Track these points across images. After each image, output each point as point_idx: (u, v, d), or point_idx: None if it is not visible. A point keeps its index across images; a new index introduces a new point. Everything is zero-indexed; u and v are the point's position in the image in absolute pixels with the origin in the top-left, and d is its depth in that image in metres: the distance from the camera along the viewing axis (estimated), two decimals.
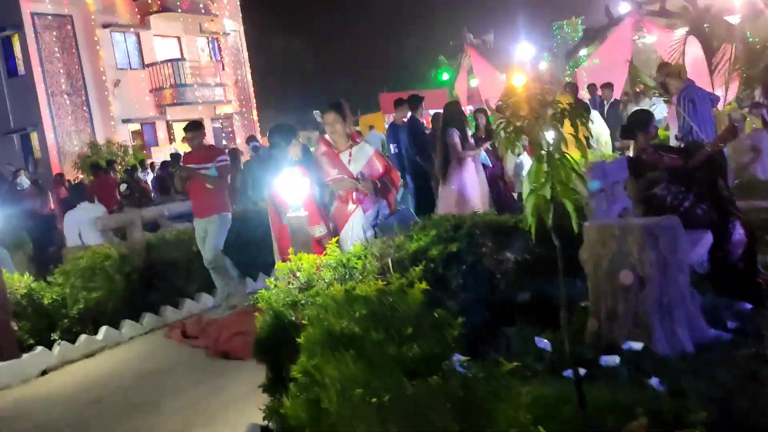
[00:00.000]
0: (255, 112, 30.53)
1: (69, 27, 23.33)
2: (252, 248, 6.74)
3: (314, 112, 18.84)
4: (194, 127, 6.46)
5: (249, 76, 30.38)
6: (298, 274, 3.38)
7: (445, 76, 24.86)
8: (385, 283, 2.40)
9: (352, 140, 4.50)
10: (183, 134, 6.65)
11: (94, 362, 5.45)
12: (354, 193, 4.33)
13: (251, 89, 30.30)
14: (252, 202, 8.13)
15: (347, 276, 3.22)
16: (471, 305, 3.92)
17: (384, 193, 4.40)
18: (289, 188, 3.85)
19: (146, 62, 25.37)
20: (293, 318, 3.20)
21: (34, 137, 23.37)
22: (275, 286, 3.42)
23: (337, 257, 3.41)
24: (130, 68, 25.02)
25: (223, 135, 28.24)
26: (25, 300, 5.34)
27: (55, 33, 23.05)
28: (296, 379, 2.34)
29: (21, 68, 23.09)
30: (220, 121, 28.45)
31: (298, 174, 4.01)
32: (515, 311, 3.97)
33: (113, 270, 5.92)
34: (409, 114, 8.30)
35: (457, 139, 6.59)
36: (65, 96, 23.18)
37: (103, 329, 5.76)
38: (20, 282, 5.39)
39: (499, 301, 4.16)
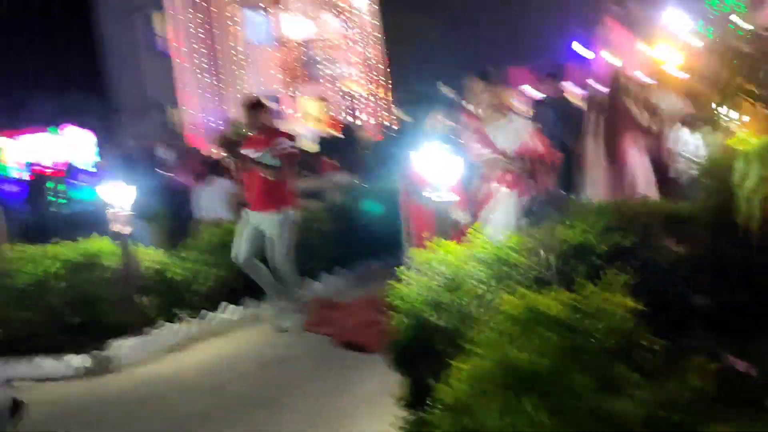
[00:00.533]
0: (386, 91, 30.27)
1: (205, 4, 24.18)
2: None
3: (438, 83, 18.20)
4: (253, 105, 5.50)
5: (381, 54, 30.10)
6: (442, 267, 2.87)
7: (582, 49, 23.35)
8: (564, 292, 1.84)
9: (501, 113, 3.92)
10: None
11: (218, 342, 5.29)
12: (505, 175, 3.77)
13: (383, 67, 30.04)
14: (381, 180, 7.78)
15: (505, 276, 2.67)
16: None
17: (540, 176, 3.80)
18: (434, 166, 3.33)
19: (278, 40, 25.84)
20: (436, 320, 2.72)
21: (173, 113, 24.59)
22: (412, 278, 2.96)
23: (490, 250, 2.87)
24: (262, 45, 25.59)
25: (353, 113, 28.33)
26: (156, 274, 5.26)
27: (191, 10, 23.96)
28: (446, 405, 1.85)
29: (160, 45, 24.32)
30: (349, 99, 28.55)
31: (445, 150, 3.49)
32: (694, 319, 3.25)
33: None
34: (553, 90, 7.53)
35: (637, 111, 5.72)
36: (201, 73, 24.15)
37: (230, 308, 5.60)
38: (152, 256, 5.31)
39: (679, 306, 3.46)
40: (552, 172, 3.81)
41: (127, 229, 4.95)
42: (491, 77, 3.94)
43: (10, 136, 20.21)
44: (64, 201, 17.19)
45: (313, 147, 11.77)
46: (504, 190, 3.73)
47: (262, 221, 5.28)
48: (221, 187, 7.38)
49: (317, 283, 6.30)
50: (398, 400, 2.69)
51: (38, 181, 11.34)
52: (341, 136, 11.29)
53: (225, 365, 4.74)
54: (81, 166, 20.70)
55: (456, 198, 3.37)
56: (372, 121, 28.48)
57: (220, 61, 23.99)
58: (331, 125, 25.82)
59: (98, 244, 5.13)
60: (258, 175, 5.24)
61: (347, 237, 6.67)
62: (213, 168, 8.08)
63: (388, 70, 29.91)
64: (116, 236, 4.96)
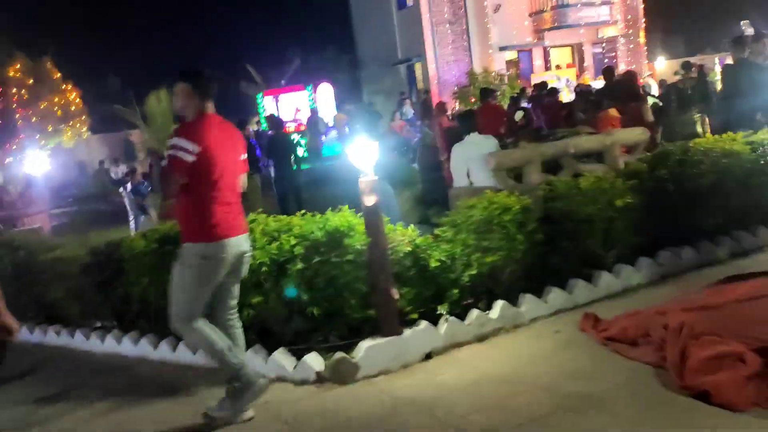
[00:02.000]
0: (643, 35, 26.55)
1: None
2: None
3: (742, 23, 14.84)
4: (186, 78, 3.50)
5: None
6: None
7: None
8: None
9: None
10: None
11: (486, 350, 4.04)
12: None
13: (640, 6, 26.31)
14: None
15: None
16: None
17: None
18: None
19: None
20: None
21: (418, 68, 24.01)
22: None
23: None
24: None
25: (606, 61, 25.31)
26: (409, 260, 4.13)
27: None
28: None
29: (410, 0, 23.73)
30: (603, 45, 25.54)
31: None
32: None
33: (513, 226, 4.38)
34: None
35: None
36: (447, 25, 23.09)
37: (499, 304, 4.31)
38: (404, 236, 4.18)
39: None
40: None
41: (371, 199, 3.85)
42: None
43: (274, 95, 21.18)
44: (306, 156, 17.50)
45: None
46: None
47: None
48: (477, 144, 6.09)
49: (607, 275, 4.72)
50: None
51: (282, 136, 11.06)
52: (612, 83, 9.30)
53: (500, 388, 3.45)
54: (324, 120, 21.23)
55: None
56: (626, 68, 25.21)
57: (468, 12, 22.69)
58: (581, 76, 23.30)
59: (345, 219, 4.12)
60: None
61: (658, 213, 4.96)
62: (466, 122, 6.74)
63: (643, 8, 26.12)
64: (366, 209, 3.89)
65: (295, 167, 10.66)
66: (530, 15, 23.75)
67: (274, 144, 10.80)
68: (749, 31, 11.94)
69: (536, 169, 5.70)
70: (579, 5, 23.33)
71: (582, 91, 11.29)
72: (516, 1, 23.57)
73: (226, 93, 23.76)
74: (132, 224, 11.75)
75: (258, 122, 20.32)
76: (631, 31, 25.83)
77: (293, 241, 4.08)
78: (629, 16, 25.76)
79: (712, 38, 31.10)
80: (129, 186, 11.89)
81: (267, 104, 21.36)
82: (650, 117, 7.42)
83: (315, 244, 4.06)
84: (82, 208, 16.11)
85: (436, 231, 4.49)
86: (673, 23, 30.56)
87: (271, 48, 26.59)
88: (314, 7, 28.88)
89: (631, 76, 8.63)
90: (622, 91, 7.80)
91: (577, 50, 25.12)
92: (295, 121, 20.02)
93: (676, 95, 7.75)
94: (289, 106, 20.95)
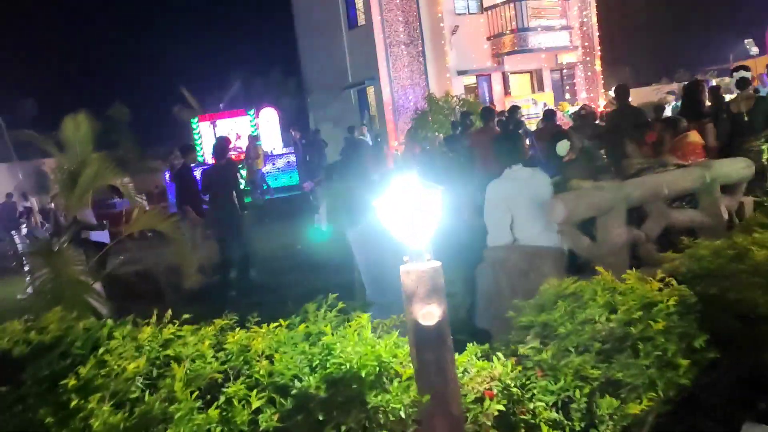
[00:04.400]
0: (598, 62, 25.61)
1: None
2: None
3: (746, 41, 13.60)
4: None
5: (594, 19, 25.44)
6: None
7: None
8: None
9: None
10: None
11: None
12: None
13: (596, 34, 25.40)
14: None
15: None
16: None
17: None
18: None
19: (485, 5, 22.36)
20: None
21: (371, 91, 22.17)
22: None
23: None
24: (468, 13, 22.25)
25: (566, 88, 24.15)
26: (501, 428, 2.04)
27: None
28: None
29: (361, 19, 21.93)
30: (562, 71, 24.39)
31: None
32: None
33: (672, 342, 2.37)
34: None
35: None
36: (402, 46, 21.38)
37: None
38: (489, 374, 2.10)
39: None
40: None
41: (431, 312, 1.79)
42: None
43: (211, 120, 18.89)
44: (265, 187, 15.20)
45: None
46: None
47: None
48: (525, 182, 4.11)
49: None
50: None
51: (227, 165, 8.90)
52: (626, 105, 7.56)
53: None
54: (266, 148, 19.04)
55: None
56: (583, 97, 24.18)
57: (424, 33, 21.04)
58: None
59: (366, 343, 2.02)
60: None
61: None
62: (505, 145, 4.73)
63: (598, 36, 25.27)
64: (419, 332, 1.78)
65: (237, 204, 8.48)
66: (489, 38, 22.34)
67: (211, 175, 8.59)
68: (754, 50, 10.55)
69: (620, 221, 3.73)
70: (539, 29, 22.10)
71: (587, 113, 9.60)
72: (474, 23, 22.18)
73: (159, 118, 21.23)
74: (28, 279, 9.21)
75: (184, 153, 18.02)
76: (588, 58, 24.84)
77: (256, 402, 1.94)
78: (586, 43, 24.78)
79: (668, 67, 30.76)
80: (24, 229, 9.37)
81: (203, 130, 19.05)
82: (714, 141, 5.65)
83: (302, 402, 1.94)
84: None
85: (523, 349, 2.43)
86: (629, 52, 30.02)
87: (208, 69, 24.27)
88: (256, 25, 26.79)
89: (697, 87, 6.86)
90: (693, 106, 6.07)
91: (536, 76, 23.87)
92: (234, 149, 17.70)
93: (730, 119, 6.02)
94: (227, 132, 18.69)
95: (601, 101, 23.69)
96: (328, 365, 2.08)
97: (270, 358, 2.24)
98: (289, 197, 17.22)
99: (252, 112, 19.27)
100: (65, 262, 4.49)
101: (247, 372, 2.17)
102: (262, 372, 2.12)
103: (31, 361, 2.62)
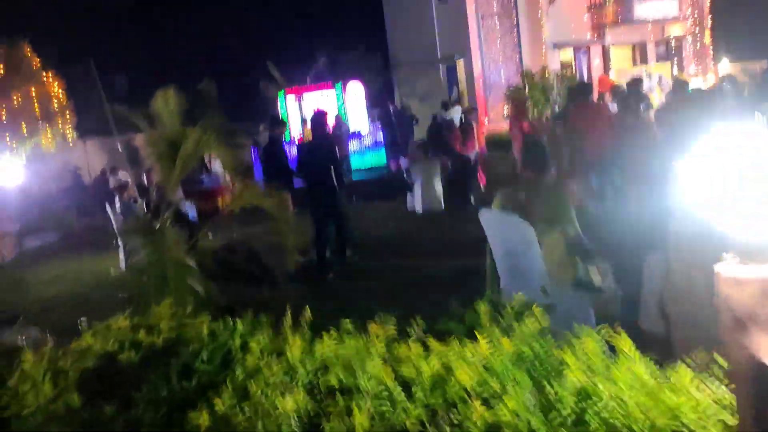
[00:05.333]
0: (708, 34, 23.57)
1: None
2: None
3: None
4: None
5: None
6: None
7: None
8: None
9: None
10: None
11: None
12: None
13: (706, 3, 23.34)
14: None
15: None
16: None
17: None
18: None
19: None
20: None
21: (460, 66, 21.18)
22: None
23: None
24: None
25: (673, 63, 22.37)
26: None
27: None
28: None
29: None
30: (668, 44, 22.58)
31: None
32: None
33: None
34: None
35: None
36: (495, 18, 20.24)
37: None
38: None
39: None
40: None
41: None
42: None
43: (298, 94, 18.51)
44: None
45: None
46: None
47: None
48: None
49: None
50: None
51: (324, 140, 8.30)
52: None
53: None
54: (353, 125, 18.40)
55: None
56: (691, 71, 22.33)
57: (519, 3, 19.84)
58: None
59: None
60: None
61: None
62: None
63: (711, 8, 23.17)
64: None
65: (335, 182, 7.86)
66: (589, 8, 20.83)
67: (309, 151, 8.03)
68: None
69: None
70: None
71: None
72: None
73: (244, 94, 21.04)
74: (122, 254, 8.97)
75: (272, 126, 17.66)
76: (697, 29, 22.90)
77: None
78: (696, 13, 22.82)
79: None
80: (118, 204, 9.11)
81: (289, 104, 18.67)
82: None
83: None
84: (74, 227, 13.31)
85: None
86: (738, 23, 27.56)
87: (293, 45, 23.87)
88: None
89: None
90: None
91: (640, 50, 22.19)
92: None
93: None
94: (313, 106, 18.26)
95: (710, 77, 21.86)
96: (587, 418, 1.35)
97: (481, 398, 1.54)
98: (374, 176, 16.59)
99: (339, 85, 18.74)
100: (167, 242, 3.98)
101: (455, 419, 1.47)
102: (479, 423, 1.42)
103: (141, 371, 2.02)
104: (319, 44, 22.51)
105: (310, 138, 8.29)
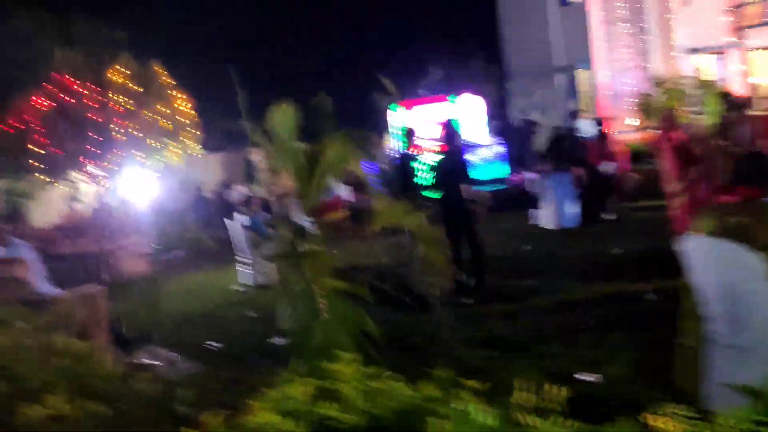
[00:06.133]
0: None
1: None
2: None
3: None
4: None
5: None
6: None
7: None
8: None
9: None
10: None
11: None
12: None
13: None
14: None
15: None
16: None
17: None
18: None
19: None
20: None
21: (581, 74, 20.03)
22: None
23: None
24: None
25: None
26: None
27: None
28: None
29: None
30: None
31: None
32: None
33: None
34: None
35: None
36: (621, 24, 18.99)
37: None
38: None
39: None
40: None
41: None
42: None
43: (409, 106, 18.12)
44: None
45: None
46: None
47: None
48: None
49: None
50: None
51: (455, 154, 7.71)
52: None
53: None
54: (467, 138, 17.62)
55: None
56: None
57: (647, 6, 18.47)
58: None
59: None
60: None
61: None
62: None
63: None
64: None
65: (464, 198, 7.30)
66: (728, 9, 19.10)
67: (445, 165, 7.48)
68: None
69: None
70: None
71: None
72: None
73: (357, 106, 20.88)
74: (248, 271, 8.72)
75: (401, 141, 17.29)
76: None
77: None
78: None
79: None
80: (241, 218, 8.91)
81: (402, 117, 18.28)
82: None
83: None
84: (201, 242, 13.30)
85: None
86: None
87: (406, 58, 23.56)
88: (454, 8, 25.64)
89: None
90: None
91: None
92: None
93: None
94: (423, 119, 17.83)
95: None
96: None
97: None
98: (494, 190, 15.82)
99: (453, 98, 18.16)
100: (318, 269, 3.48)
101: None
102: None
103: None
104: (431, 56, 22.09)
105: (444, 151, 7.71)
